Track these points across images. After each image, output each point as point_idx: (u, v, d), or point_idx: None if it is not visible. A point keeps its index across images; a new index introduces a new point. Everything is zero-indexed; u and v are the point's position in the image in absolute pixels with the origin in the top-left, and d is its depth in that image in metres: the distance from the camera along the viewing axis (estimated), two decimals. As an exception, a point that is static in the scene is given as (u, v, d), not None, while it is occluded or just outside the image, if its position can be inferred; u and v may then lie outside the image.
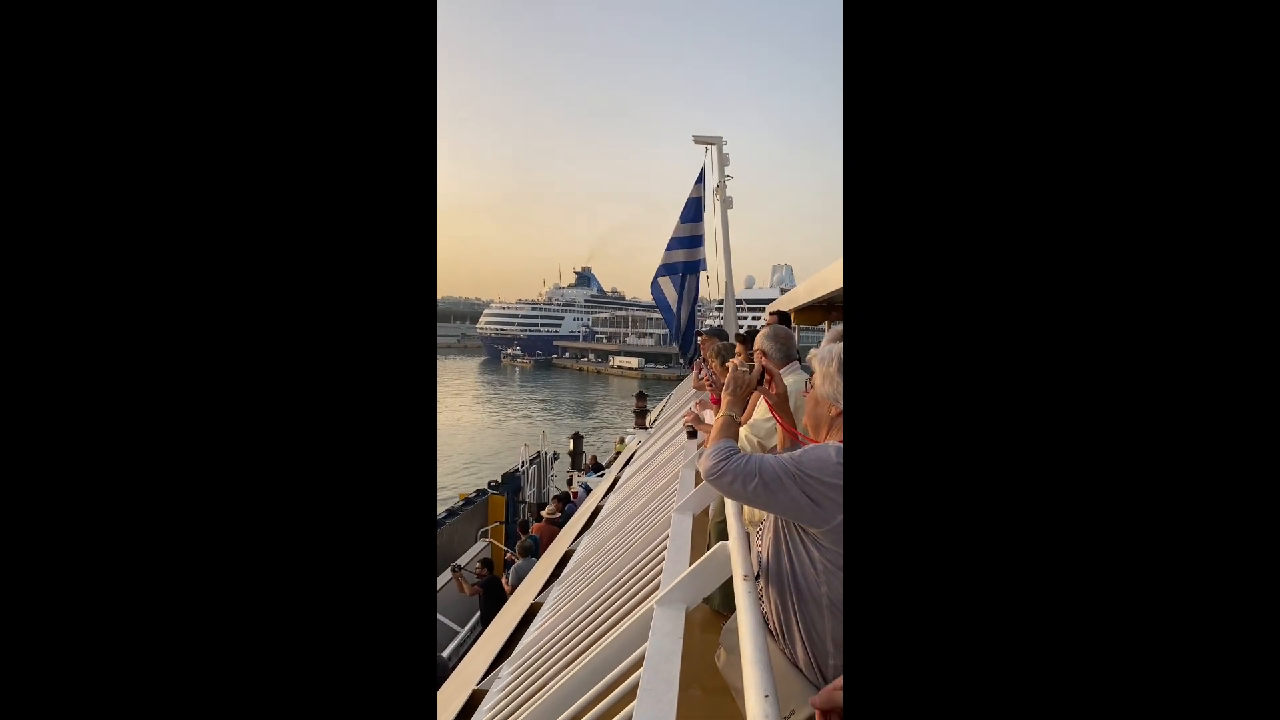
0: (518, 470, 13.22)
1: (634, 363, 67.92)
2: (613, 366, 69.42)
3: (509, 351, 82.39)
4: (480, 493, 12.18)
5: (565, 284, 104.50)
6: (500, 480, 12.67)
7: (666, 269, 9.05)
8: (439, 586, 7.69)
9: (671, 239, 9.11)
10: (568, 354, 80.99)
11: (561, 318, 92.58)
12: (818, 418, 1.39)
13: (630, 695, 1.32)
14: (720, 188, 10.31)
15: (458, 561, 7.25)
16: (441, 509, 10.48)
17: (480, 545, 9.50)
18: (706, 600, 2.31)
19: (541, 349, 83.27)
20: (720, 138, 10.42)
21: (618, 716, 1.32)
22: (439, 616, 7.14)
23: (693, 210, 9.25)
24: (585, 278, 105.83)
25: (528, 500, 12.67)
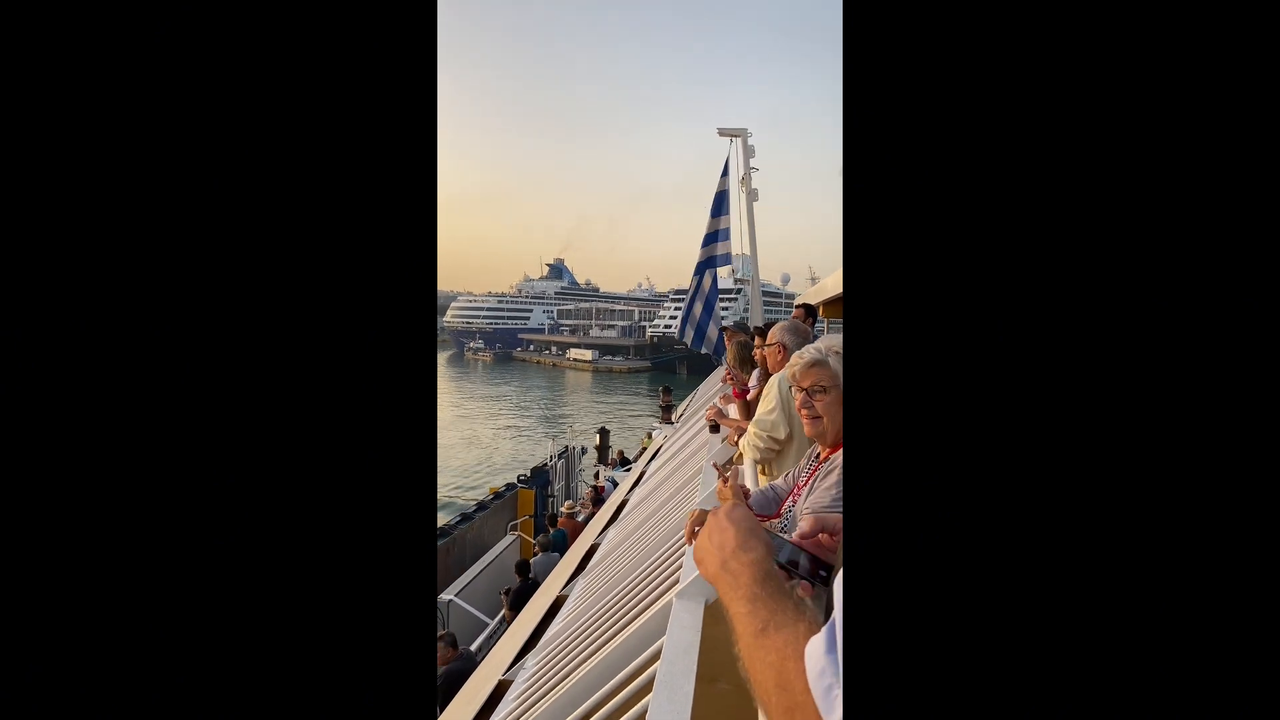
0: (546, 465, 13.34)
1: (588, 355, 68.24)
2: (569, 359, 69.79)
3: (471, 345, 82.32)
4: (510, 486, 12.34)
5: (536, 276, 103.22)
6: (529, 474, 12.80)
7: (705, 264, 9.00)
8: (469, 580, 7.83)
9: (706, 235, 9.07)
10: (532, 347, 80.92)
11: (530, 310, 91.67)
12: (835, 416, 1.36)
13: (649, 687, 1.34)
14: (746, 180, 10.23)
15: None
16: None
17: (509, 539, 9.62)
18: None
19: (503, 342, 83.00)
20: (745, 130, 10.33)
21: (636, 708, 1.34)
22: (469, 608, 7.26)
23: (720, 204, 9.19)
24: (557, 269, 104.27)
25: (556, 494, 12.79)
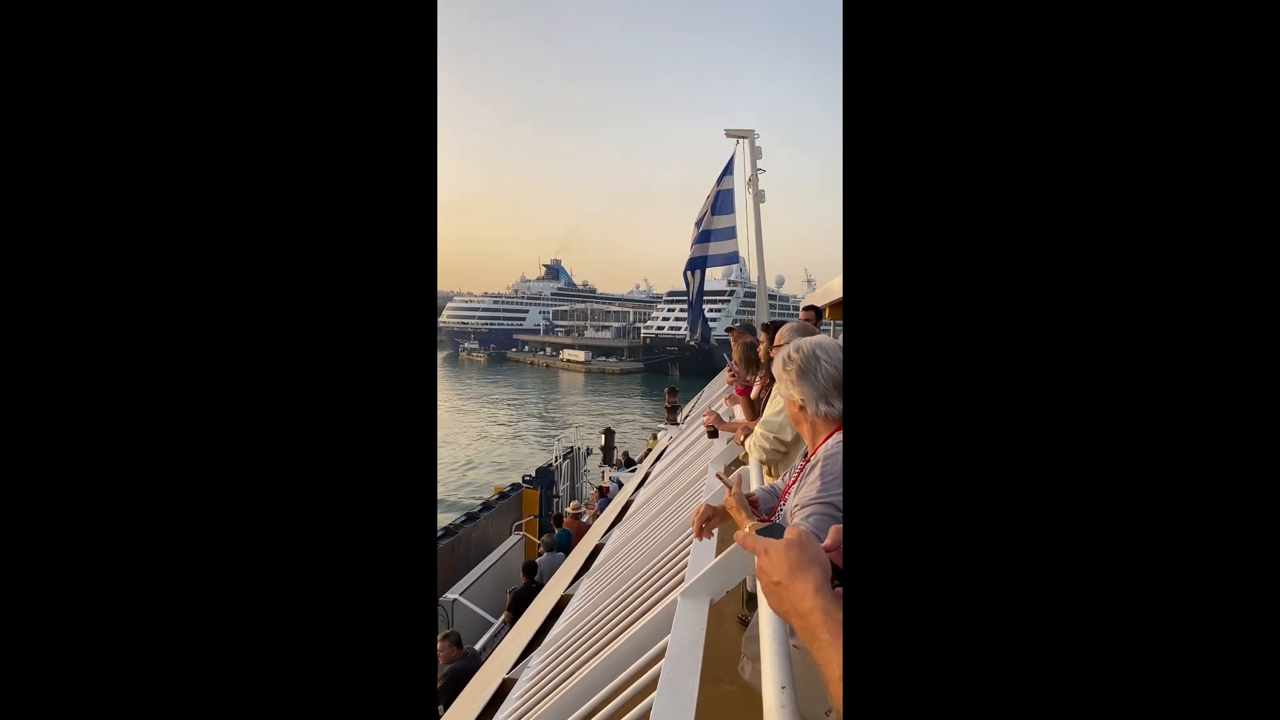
0: (551, 465, 13.37)
1: (580, 356, 68.65)
2: (561, 360, 70.25)
3: (466, 345, 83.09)
4: (515, 486, 12.36)
5: (533, 277, 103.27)
6: (534, 475, 12.83)
7: (698, 261, 9.00)
8: (474, 579, 7.86)
9: (702, 231, 9.06)
10: (526, 348, 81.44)
11: (526, 311, 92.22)
12: (797, 420, 1.43)
13: (653, 685, 1.34)
14: (753, 181, 10.22)
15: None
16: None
17: (514, 539, 9.64)
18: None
19: (497, 343, 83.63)
20: (753, 131, 10.33)
21: (640, 705, 1.34)
22: (474, 608, 7.28)
23: (725, 203, 9.18)
24: (554, 270, 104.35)
25: (561, 495, 12.80)
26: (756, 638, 1.18)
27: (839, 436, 1.33)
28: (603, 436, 15.03)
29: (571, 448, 14.54)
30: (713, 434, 3.32)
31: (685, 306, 9.40)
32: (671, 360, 60.94)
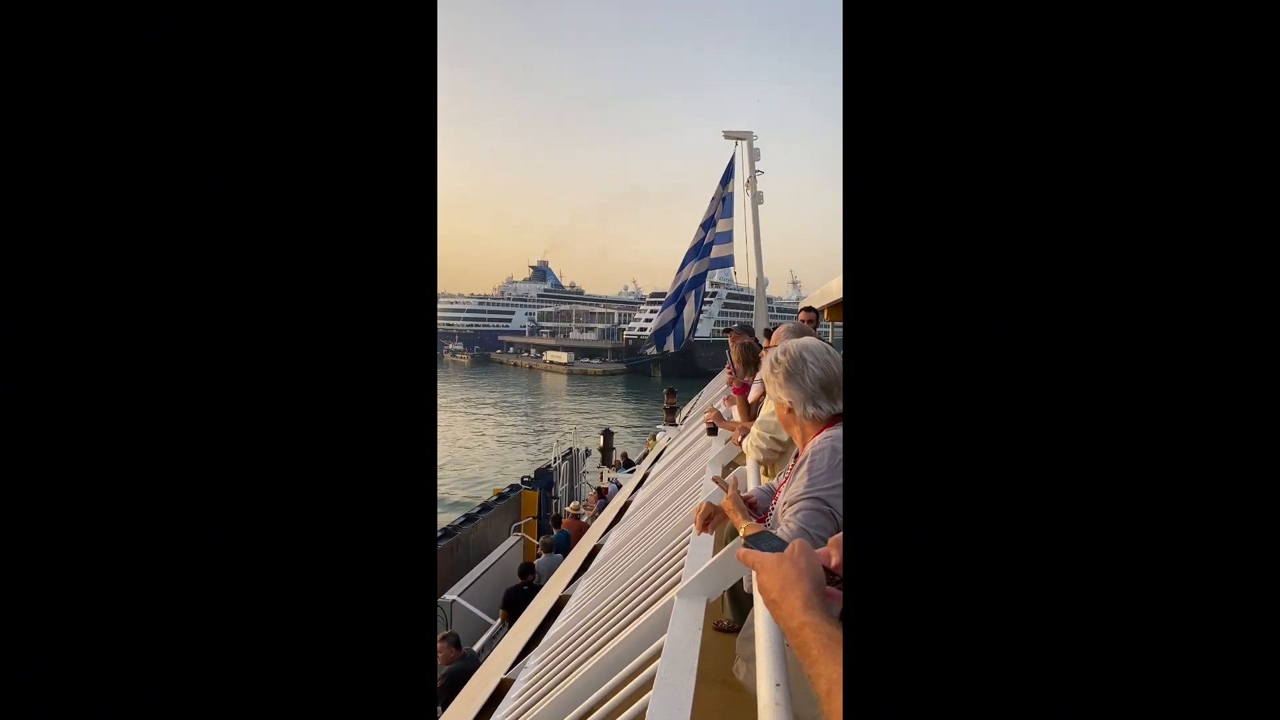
0: (550, 466, 13.38)
1: (563, 358, 69.01)
2: (544, 362, 70.69)
3: (450, 346, 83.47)
4: (514, 488, 12.37)
5: (521, 279, 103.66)
6: (533, 475, 12.85)
7: (716, 262, 9.01)
8: (473, 580, 7.87)
9: (719, 234, 9.07)
10: (511, 349, 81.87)
11: (512, 312, 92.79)
12: (787, 423, 1.46)
13: (649, 685, 1.34)
14: (751, 183, 10.24)
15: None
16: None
17: (513, 539, 9.64)
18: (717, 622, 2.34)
19: (481, 344, 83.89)
20: (751, 133, 10.34)
21: (636, 704, 1.34)
22: (473, 609, 7.28)
23: (728, 206, 9.20)
24: (541, 271, 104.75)
25: (559, 496, 12.81)
26: (751, 639, 1.19)
27: (827, 432, 1.36)
28: (601, 438, 15.05)
29: (570, 449, 14.56)
30: (713, 431, 3.33)
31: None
32: (653, 362, 60.76)
